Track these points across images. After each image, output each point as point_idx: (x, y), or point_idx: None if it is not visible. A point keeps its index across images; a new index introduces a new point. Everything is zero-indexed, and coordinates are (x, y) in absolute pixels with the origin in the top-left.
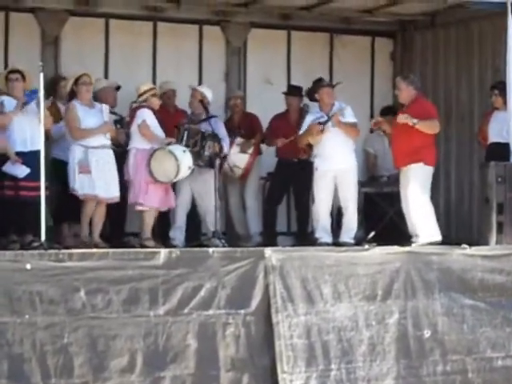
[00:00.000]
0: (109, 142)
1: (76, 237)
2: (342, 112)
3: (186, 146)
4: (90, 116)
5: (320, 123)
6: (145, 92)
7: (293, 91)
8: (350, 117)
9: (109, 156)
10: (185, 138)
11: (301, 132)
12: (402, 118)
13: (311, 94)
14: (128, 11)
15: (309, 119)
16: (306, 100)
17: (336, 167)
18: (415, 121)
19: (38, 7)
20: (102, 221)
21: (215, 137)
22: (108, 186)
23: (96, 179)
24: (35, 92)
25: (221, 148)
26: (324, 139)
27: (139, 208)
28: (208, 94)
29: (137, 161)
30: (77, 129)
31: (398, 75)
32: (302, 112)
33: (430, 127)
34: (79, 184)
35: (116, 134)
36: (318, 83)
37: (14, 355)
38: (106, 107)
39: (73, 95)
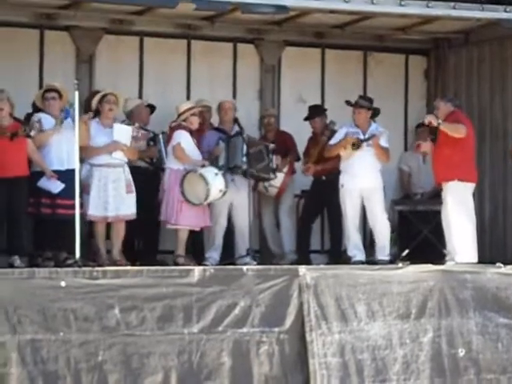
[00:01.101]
0: (116, 161)
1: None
2: (382, 135)
3: (247, 157)
4: (102, 135)
5: (360, 140)
6: (184, 112)
7: (312, 114)
8: (384, 142)
9: (116, 175)
10: (244, 148)
11: (332, 142)
12: (428, 117)
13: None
14: (162, 29)
15: (343, 131)
16: (336, 118)
17: (362, 186)
18: (440, 121)
19: (72, 25)
20: (119, 238)
21: (274, 150)
22: (109, 204)
23: (93, 198)
24: (69, 110)
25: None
26: (354, 157)
27: (172, 227)
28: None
29: (170, 181)
30: (85, 147)
31: (432, 93)
32: (328, 129)
33: (454, 129)
34: (83, 203)
35: (147, 152)
36: (358, 101)
37: (49, 372)
38: (121, 127)
39: (98, 113)
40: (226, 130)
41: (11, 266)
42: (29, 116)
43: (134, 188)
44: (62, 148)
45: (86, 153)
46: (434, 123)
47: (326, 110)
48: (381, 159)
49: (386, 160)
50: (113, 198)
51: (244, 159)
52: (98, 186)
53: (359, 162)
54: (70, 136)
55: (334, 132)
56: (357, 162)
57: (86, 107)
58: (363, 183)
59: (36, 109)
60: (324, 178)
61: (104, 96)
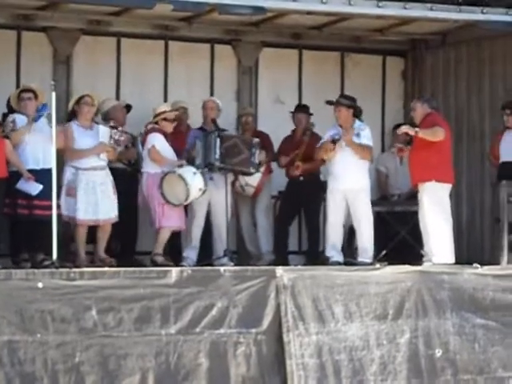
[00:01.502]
0: (102, 163)
1: (88, 254)
2: (357, 132)
3: (221, 153)
4: (85, 137)
5: (333, 140)
6: (157, 115)
7: (301, 109)
8: (365, 139)
9: (101, 177)
10: (217, 145)
11: (317, 145)
12: (402, 129)
13: None
14: (139, 30)
15: (327, 134)
16: (314, 119)
17: (346, 187)
18: (417, 129)
19: (50, 26)
20: (105, 239)
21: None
22: (97, 207)
23: (80, 202)
24: (44, 106)
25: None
26: (337, 158)
27: (161, 231)
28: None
29: (148, 185)
30: (69, 149)
31: (409, 94)
32: (306, 130)
33: (433, 134)
34: (65, 206)
35: (126, 154)
36: (338, 100)
37: (26, 374)
38: (104, 129)
39: (73, 115)
40: (206, 129)
41: None
42: (4, 116)
43: (115, 189)
44: (37, 147)
45: (72, 155)
46: (411, 133)
47: (311, 113)
48: (361, 156)
49: (365, 157)
50: (102, 201)
51: (217, 156)
52: (86, 190)
53: (341, 162)
54: (46, 135)
55: (313, 133)
56: (339, 162)
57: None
58: (346, 184)
59: (11, 109)
60: (302, 178)
61: (81, 98)
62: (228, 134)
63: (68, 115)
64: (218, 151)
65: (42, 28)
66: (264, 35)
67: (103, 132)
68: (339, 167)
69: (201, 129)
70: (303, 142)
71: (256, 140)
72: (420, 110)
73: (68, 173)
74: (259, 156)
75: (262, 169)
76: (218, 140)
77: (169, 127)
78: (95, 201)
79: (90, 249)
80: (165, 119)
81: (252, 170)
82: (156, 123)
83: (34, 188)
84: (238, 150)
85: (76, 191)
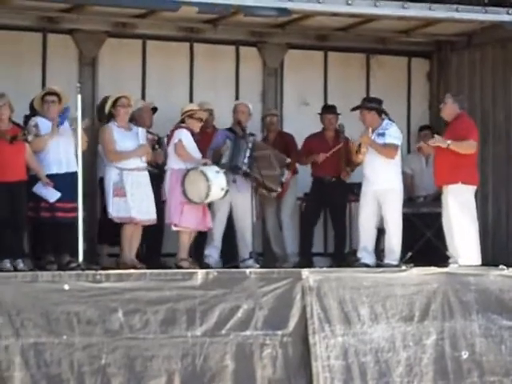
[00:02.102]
0: (144, 165)
1: (111, 257)
2: (382, 131)
3: (249, 161)
4: (126, 139)
5: (359, 144)
6: (184, 113)
7: (329, 109)
8: (389, 137)
9: (144, 178)
10: (247, 151)
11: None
12: (435, 142)
13: None
14: (165, 32)
15: (357, 138)
16: (342, 120)
17: (376, 188)
18: (449, 142)
19: (75, 29)
20: (138, 242)
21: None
22: (143, 208)
23: (131, 202)
24: (67, 109)
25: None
26: (367, 159)
27: (174, 228)
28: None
29: (172, 181)
30: (113, 151)
31: (435, 95)
32: (338, 132)
33: (465, 148)
34: (114, 208)
35: (154, 156)
36: (361, 104)
37: (52, 376)
38: (142, 130)
39: (110, 117)
40: (236, 131)
41: (15, 269)
42: (27, 118)
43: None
44: (59, 151)
45: (115, 157)
46: (443, 145)
47: (339, 114)
48: (384, 156)
49: (388, 155)
50: (146, 202)
51: (246, 161)
52: (133, 190)
53: (371, 164)
54: (68, 139)
55: (343, 135)
56: (369, 164)
57: (99, 114)
58: (376, 185)
59: (34, 110)
60: (328, 178)
61: (118, 99)
62: (261, 144)
63: (106, 118)
64: (246, 156)
65: (68, 30)
66: (289, 37)
67: (142, 133)
68: (369, 169)
69: (230, 130)
70: (339, 145)
71: (288, 160)
72: (451, 106)
73: (113, 174)
74: (287, 178)
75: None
76: (250, 146)
77: (196, 126)
78: (141, 201)
79: (115, 251)
80: (191, 116)
81: (278, 189)
82: (182, 122)
83: (52, 194)
84: (269, 164)
85: (125, 191)
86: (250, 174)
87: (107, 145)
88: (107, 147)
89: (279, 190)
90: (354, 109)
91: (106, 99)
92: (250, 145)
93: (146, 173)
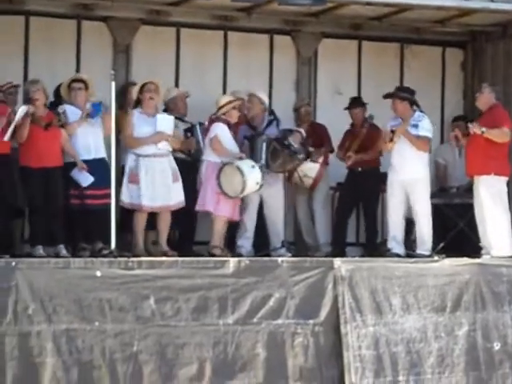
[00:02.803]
0: (162, 151)
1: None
2: (415, 123)
3: (266, 158)
4: (145, 125)
5: (392, 131)
6: (225, 104)
7: (354, 103)
8: (422, 130)
9: (161, 164)
10: (263, 148)
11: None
12: (471, 129)
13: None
14: (199, 20)
15: (388, 124)
16: (373, 110)
17: (405, 178)
18: (484, 129)
19: (109, 16)
20: (167, 227)
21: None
22: (157, 194)
23: (143, 189)
24: (99, 105)
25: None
26: (395, 149)
27: (212, 216)
28: (265, 98)
29: (208, 172)
30: (129, 136)
31: (469, 86)
32: (366, 123)
33: (499, 136)
34: (127, 194)
35: (186, 144)
36: (393, 92)
37: (84, 362)
38: (164, 117)
39: (139, 102)
40: (255, 126)
41: (57, 255)
42: (52, 105)
43: (179, 176)
44: (87, 137)
45: (131, 143)
46: (478, 131)
47: (366, 103)
48: (417, 148)
49: (422, 148)
50: (160, 189)
51: (263, 161)
52: (145, 177)
53: (399, 153)
54: (95, 125)
55: (372, 125)
56: (397, 154)
57: (120, 100)
58: (405, 175)
59: (58, 97)
60: (360, 169)
61: (144, 85)
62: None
63: (134, 103)
64: (263, 156)
65: (102, 18)
66: (323, 26)
67: (162, 120)
68: (397, 158)
69: (249, 126)
70: (360, 134)
71: (311, 149)
72: (487, 96)
73: (130, 160)
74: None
75: (320, 159)
76: (265, 145)
77: (234, 116)
78: (153, 188)
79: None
80: (234, 108)
81: (300, 157)
82: (223, 114)
83: (85, 179)
84: (276, 152)
85: (139, 178)
86: (269, 172)
87: (125, 130)
88: (124, 132)
89: (301, 156)
90: (386, 96)
91: (125, 86)
92: (264, 143)
93: (165, 159)
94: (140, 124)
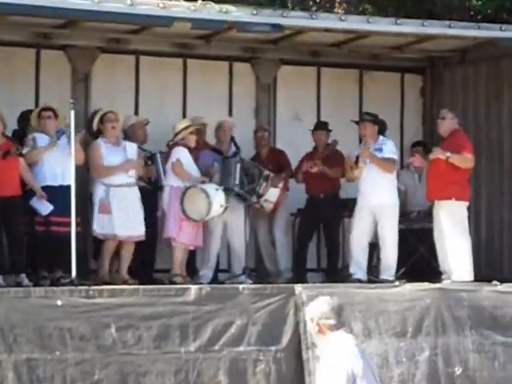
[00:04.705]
0: (132, 180)
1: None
2: (379, 147)
3: (240, 180)
4: (113, 154)
5: (356, 157)
6: (181, 130)
7: (320, 126)
8: (387, 152)
9: (132, 194)
10: (238, 170)
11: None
12: (435, 154)
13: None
14: (158, 48)
15: (353, 154)
16: (333, 136)
17: (373, 203)
18: (448, 154)
19: (68, 45)
20: (130, 257)
21: (268, 178)
22: (130, 224)
23: (116, 218)
24: (62, 129)
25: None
26: (364, 175)
27: (174, 244)
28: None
29: (171, 198)
30: (99, 167)
31: (428, 111)
32: (330, 147)
33: (462, 161)
34: (99, 224)
35: (146, 171)
36: (364, 116)
37: None
38: (131, 145)
39: (99, 132)
40: (221, 151)
41: (19, 284)
42: (15, 132)
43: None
44: (55, 164)
45: (101, 172)
46: (443, 157)
47: (330, 130)
48: (384, 170)
49: (387, 169)
50: (133, 217)
51: (237, 182)
52: (119, 207)
53: (369, 179)
54: (65, 154)
55: (336, 150)
56: (366, 180)
57: (88, 128)
58: (373, 200)
59: (21, 124)
60: (321, 195)
61: (104, 115)
62: (248, 163)
63: (94, 133)
64: (237, 177)
65: (61, 46)
66: (282, 53)
67: (130, 148)
68: (367, 184)
69: (214, 150)
70: (323, 155)
71: (267, 173)
72: (450, 122)
73: (99, 190)
74: (264, 189)
75: (281, 184)
76: (239, 166)
77: (192, 141)
78: (127, 218)
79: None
80: (191, 133)
81: (253, 200)
82: (181, 139)
83: (45, 208)
84: (252, 179)
85: (110, 208)
86: (242, 194)
87: (94, 160)
88: (94, 163)
89: (254, 200)
90: (356, 122)
91: (95, 113)
92: (238, 164)
93: (135, 188)
94: (108, 154)
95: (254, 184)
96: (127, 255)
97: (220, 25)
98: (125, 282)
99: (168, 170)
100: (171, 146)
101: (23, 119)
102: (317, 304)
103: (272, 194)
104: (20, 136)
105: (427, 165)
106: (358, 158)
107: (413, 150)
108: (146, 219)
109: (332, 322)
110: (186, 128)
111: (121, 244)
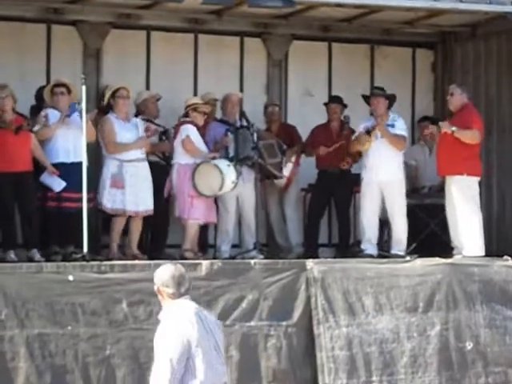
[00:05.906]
0: (144, 156)
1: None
2: (392, 123)
3: (256, 147)
4: (125, 130)
5: (368, 131)
6: (187, 107)
7: (335, 99)
8: (399, 129)
9: (143, 169)
10: (255, 139)
11: (353, 138)
12: (442, 129)
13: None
14: (169, 23)
15: (361, 126)
16: (345, 111)
17: (381, 179)
18: (454, 128)
19: (79, 20)
20: (138, 232)
21: (285, 152)
22: (140, 199)
23: (128, 194)
24: (74, 104)
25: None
26: (371, 150)
27: (185, 222)
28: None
29: (180, 176)
30: (113, 143)
31: (439, 86)
32: (343, 123)
33: (469, 137)
34: (109, 199)
35: (161, 146)
36: (375, 91)
37: (57, 366)
38: (140, 121)
39: (110, 108)
40: (231, 122)
41: (31, 260)
42: (33, 108)
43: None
44: (68, 141)
45: (115, 149)
46: (449, 130)
47: (346, 105)
48: (395, 147)
49: (400, 147)
50: (144, 193)
51: (255, 151)
52: (132, 182)
53: (375, 154)
54: (77, 129)
55: (348, 127)
56: (373, 154)
57: (99, 103)
58: (381, 176)
59: (39, 100)
60: (332, 170)
61: (116, 90)
62: (264, 132)
63: (104, 108)
64: (254, 147)
65: (72, 22)
66: (294, 28)
67: (140, 125)
68: (374, 159)
69: (222, 121)
70: (343, 136)
71: (285, 147)
72: (459, 97)
73: (111, 165)
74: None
75: (293, 158)
76: (256, 135)
77: (199, 119)
78: (137, 193)
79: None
80: (194, 110)
81: (281, 175)
82: (187, 115)
83: (57, 184)
84: (273, 151)
85: (124, 183)
86: (261, 163)
87: (107, 136)
88: (107, 139)
89: (284, 176)
90: (366, 96)
91: (106, 87)
92: (255, 134)
93: (146, 164)
94: (120, 130)
95: (278, 158)
96: (135, 230)
97: (231, 0)
98: (134, 258)
99: (176, 146)
100: (178, 124)
101: (40, 95)
102: (159, 271)
103: (285, 169)
104: (37, 112)
105: (437, 139)
106: (368, 132)
107: (421, 125)
108: (158, 194)
109: (170, 290)
110: (191, 105)
111: (130, 219)
